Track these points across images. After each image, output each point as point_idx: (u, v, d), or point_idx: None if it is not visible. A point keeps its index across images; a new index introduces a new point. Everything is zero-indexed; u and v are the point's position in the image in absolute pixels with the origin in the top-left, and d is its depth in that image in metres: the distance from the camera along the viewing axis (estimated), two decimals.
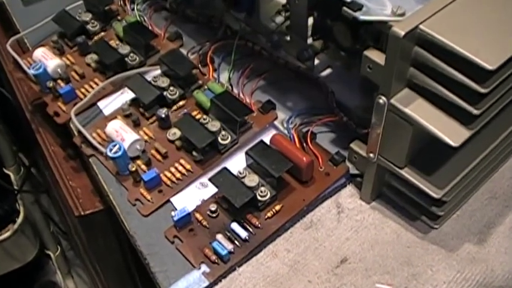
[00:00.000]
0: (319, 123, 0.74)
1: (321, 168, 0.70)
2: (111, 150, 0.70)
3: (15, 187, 1.33)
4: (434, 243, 0.66)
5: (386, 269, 0.64)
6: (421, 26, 0.53)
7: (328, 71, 0.81)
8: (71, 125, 0.79)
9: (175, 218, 0.66)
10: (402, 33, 0.52)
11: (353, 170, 0.71)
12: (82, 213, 0.79)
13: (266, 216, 0.67)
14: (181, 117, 0.73)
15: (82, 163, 0.85)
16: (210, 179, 0.67)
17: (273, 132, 0.76)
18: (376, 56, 0.57)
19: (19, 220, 1.35)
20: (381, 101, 0.59)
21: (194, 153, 0.71)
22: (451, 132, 0.56)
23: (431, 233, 0.67)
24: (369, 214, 0.68)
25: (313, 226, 0.67)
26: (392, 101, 0.58)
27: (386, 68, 0.56)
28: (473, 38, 0.53)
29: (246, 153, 0.68)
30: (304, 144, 0.72)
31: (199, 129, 0.71)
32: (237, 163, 0.72)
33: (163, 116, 0.74)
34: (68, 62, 0.84)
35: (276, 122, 0.76)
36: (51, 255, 1.62)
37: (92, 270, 1.08)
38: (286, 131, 0.75)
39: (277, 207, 0.67)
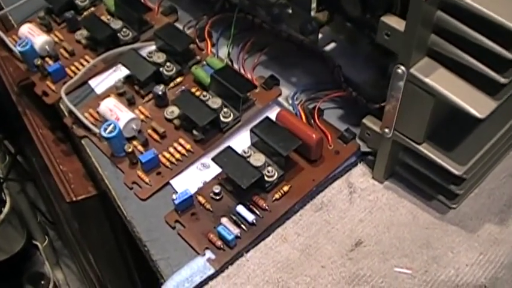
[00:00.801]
0: (326, 99, 0.70)
1: (330, 146, 0.66)
2: (105, 130, 0.65)
3: (0, 175, 1.27)
4: (453, 224, 0.62)
5: (405, 252, 0.60)
6: None
7: (332, 45, 0.77)
8: (61, 105, 0.74)
9: (176, 202, 0.61)
10: None
11: (364, 148, 0.67)
12: (74, 199, 0.74)
13: (274, 198, 0.62)
14: (179, 94, 0.69)
15: (73, 146, 0.80)
16: (213, 159, 0.62)
17: (277, 109, 0.71)
18: (395, 22, 0.53)
19: (5, 210, 1.29)
20: (399, 71, 0.54)
21: (194, 132, 0.66)
22: (476, 103, 0.52)
23: (449, 214, 0.63)
24: (383, 194, 0.64)
25: (324, 208, 0.63)
26: (412, 70, 0.53)
27: (406, 34, 0.52)
28: (500, 0, 0.49)
29: (251, 130, 0.64)
30: (312, 122, 0.68)
31: (200, 107, 0.66)
32: (240, 142, 0.68)
33: (160, 93, 0.69)
34: (56, 39, 0.79)
35: (279, 99, 0.72)
36: (39, 245, 1.57)
37: (83, 260, 1.03)
38: (291, 108, 0.70)
39: (285, 188, 0.63)
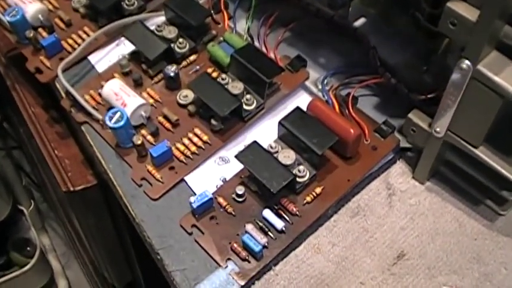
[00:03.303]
0: (362, 86, 0.61)
1: (367, 141, 0.58)
2: (110, 118, 0.57)
3: None
4: (504, 235, 0.55)
5: (453, 268, 0.53)
6: None
7: (361, 20, 0.68)
8: (57, 84, 0.65)
9: (194, 205, 0.53)
10: None
11: (404, 143, 0.59)
12: (71, 189, 0.66)
13: (305, 201, 0.55)
14: (196, 77, 0.60)
15: (69, 128, 0.72)
16: (237, 157, 0.54)
17: (303, 94, 0.63)
18: (464, 10, 0.45)
19: None
20: (463, 65, 0.46)
21: (213, 121, 0.58)
22: None
23: (498, 222, 0.56)
24: (425, 197, 0.57)
25: (361, 213, 0.56)
26: (479, 67, 0.46)
27: (478, 25, 0.44)
28: None
29: (280, 123, 0.56)
30: (346, 112, 0.60)
31: (220, 93, 0.58)
32: (263, 133, 0.60)
33: (172, 74, 0.61)
34: (50, 7, 0.69)
35: (306, 83, 0.63)
36: (25, 210, 1.49)
37: (76, 242, 0.95)
38: (320, 94, 0.62)
39: (318, 190, 0.55)
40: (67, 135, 0.71)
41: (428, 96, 0.56)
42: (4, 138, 1.34)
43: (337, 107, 0.59)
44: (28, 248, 1.44)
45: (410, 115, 0.55)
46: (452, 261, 0.53)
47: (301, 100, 0.62)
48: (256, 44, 0.65)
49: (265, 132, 0.60)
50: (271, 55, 0.64)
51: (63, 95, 0.64)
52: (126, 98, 0.58)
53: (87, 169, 0.68)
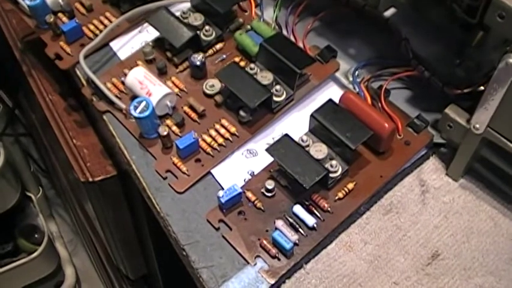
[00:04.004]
0: (395, 78, 0.59)
1: (400, 135, 0.56)
2: (135, 108, 0.55)
3: None
4: None
5: (489, 269, 0.51)
6: None
7: (391, 10, 0.65)
8: (77, 71, 0.63)
9: (222, 200, 0.51)
10: None
11: (437, 139, 0.57)
12: (90, 179, 0.64)
13: (336, 197, 0.53)
14: (225, 67, 0.58)
15: (87, 116, 0.69)
16: (268, 150, 0.52)
17: (332, 86, 0.61)
18: None
19: None
20: (511, 60, 0.44)
21: (242, 113, 0.56)
22: None
23: None
24: (459, 195, 0.55)
25: (394, 210, 0.54)
26: None
27: None
28: None
29: (312, 116, 0.54)
30: (378, 105, 0.58)
31: (250, 83, 0.56)
32: (292, 125, 0.58)
33: (198, 63, 0.58)
34: None
35: (336, 74, 0.61)
36: (32, 197, 1.47)
37: (90, 235, 0.93)
38: (351, 86, 0.60)
39: (350, 186, 0.53)
40: (85, 124, 0.69)
41: (465, 90, 0.54)
42: (13, 125, 1.32)
43: (369, 99, 0.57)
44: (36, 235, 1.43)
45: (447, 110, 0.53)
46: (489, 262, 0.51)
47: (331, 92, 0.60)
48: (284, 32, 0.63)
49: (294, 124, 0.58)
50: (300, 45, 0.61)
51: (84, 82, 0.62)
52: (151, 87, 0.56)
53: (106, 159, 0.66)
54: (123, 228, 0.75)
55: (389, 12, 0.65)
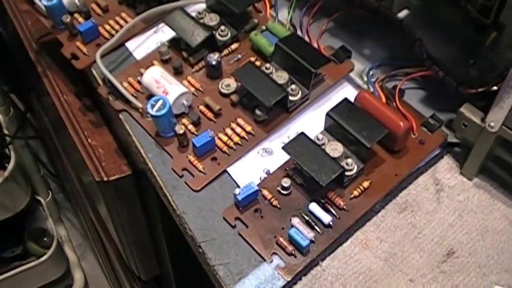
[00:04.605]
0: (409, 78, 0.60)
1: (414, 135, 0.57)
2: (152, 106, 0.55)
3: (5, 131, 1.16)
4: None
5: (504, 267, 0.51)
6: None
7: (404, 12, 0.66)
8: (93, 71, 0.63)
9: (239, 197, 0.52)
10: None
11: (451, 138, 0.57)
12: (105, 178, 0.64)
13: (352, 195, 0.53)
14: (241, 66, 0.58)
15: (102, 116, 0.70)
16: (284, 148, 0.53)
17: (346, 86, 0.62)
18: None
19: (10, 167, 1.19)
20: None
21: (257, 111, 0.56)
22: None
23: None
24: (473, 194, 0.55)
25: (409, 208, 0.54)
26: None
27: None
28: None
29: (328, 114, 0.54)
30: (393, 104, 0.58)
31: (265, 82, 0.56)
32: (307, 124, 0.58)
33: (214, 62, 0.59)
34: None
35: (351, 74, 0.61)
36: (42, 201, 1.48)
37: (102, 238, 0.93)
38: (365, 86, 0.60)
39: (365, 184, 0.54)
40: (100, 124, 0.69)
41: (479, 90, 0.55)
42: (23, 128, 1.33)
43: (383, 99, 0.58)
44: (45, 239, 1.43)
45: (462, 109, 0.53)
46: (504, 260, 0.51)
47: (346, 92, 0.61)
48: (299, 33, 0.64)
49: (309, 123, 0.58)
50: (315, 45, 0.62)
51: (100, 82, 0.62)
52: (167, 86, 0.57)
53: (122, 159, 0.66)
54: (137, 229, 0.75)
55: (403, 13, 0.65)
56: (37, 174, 1.43)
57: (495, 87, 0.53)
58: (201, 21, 0.62)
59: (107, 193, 0.67)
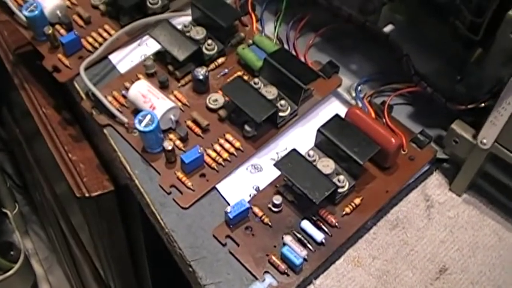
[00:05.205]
0: (397, 94, 0.60)
1: (404, 151, 0.56)
2: (140, 122, 0.54)
3: None
4: None
5: (497, 283, 0.51)
6: None
7: (389, 27, 0.66)
8: (76, 84, 0.61)
9: (230, 215, 0.51)
10: None
11: (439, 154, 0.58)
12: (87, 194, 0.62)
13: (344, 212, 0.53)
14: (230, 81, 0.57)
15: (83, 130, 0.68)
16: (276, 165, 0.52)
17: (334, 101, 0.61)
18: None
19: None
20: None
21: (247, 127, 0.56)
22: None
23: None
24: (463, 210, 0.55)
25: (400, 225, 0.54)
26: None
27: None
28: None
29: (319, 131, 0.54)
30: (382, 120, 0.58)
31: (256, 98, 0.55)
32: (296, 140, 0.58)
33: (201, 77, 0.58)
34: (68, 3, 0.66)
35: (339, 90, 0.61)
36: (9, 213, 1.45)
37: (75, 253, 0.91)
38: (353, 102, 0.60)
39: (357, 201, 0.53)
40: (81, 138, 0.67)
41: (469, 106, 0.55)
42: None
43: (373, 115, 0.57)
44: (12, 252, 1.40)
45: (453, 125, 0.53)
46: (496, 276, 0.52)
47: (333, 107, 0.60)
48: (286, 47, 0.63)
49: (297, 139, 0.58)
50: (302, 60, 0.61)
51: (83, 95, 0.60)
52: (155, 101, 0.56)
53: (103, 174, 0.65)
54: (117, 245, 0.73)
55: (389, 28, 0.65)
56: (3, 186, 1.39)
57: (483, 104, 0.53)
58: (187, 34, 0.61)
59: (88, 209, 0.65)
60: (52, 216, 1.06)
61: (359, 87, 0.60)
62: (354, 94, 0.60)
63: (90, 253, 0.86)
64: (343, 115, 0.55)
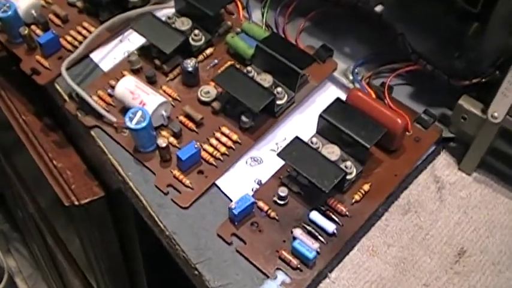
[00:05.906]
0: (396, 74, 0.57)
1: (409, 132, 0.54)
2: (131, 119, 0.50)
3: None
4: None
5: None
6: None
7: (380, 7, 0.63)
8: (57, 86, 0.58)
9: (236, 211, 0.48)
10: None
11: (445, 133, 0.55)
12: (76, 202, 0.59)
13: (353, 200, 0.50)
14: (223, 71, 0.54)
15: (66, 135, 0.64)
16: (280, 155, 0.49)
17: (330, 86, 0.59)
18: None
19: None
20: None
21: (244, 118, 0.53)
22: None
23: None
24: (475, 189, 0.53)
25: (412, 209, 0.51)
26: None
27: None
28: None
29: (321, 116, 0.51)
30: (384, 101, 0.55)
31: (251, 86, 0.52)
32: (295, 129, 0.55)
33: (190, 69, 0.55)
34: (42, 2, 0.62)
35: (335, 74, 0.58)
36: None
37: (68, 269, 0.87)
38: (351, 85, 0.57)
39: (366, 187, 0.51)
40: (65, 144, 0.64)
41: (473, 81, 0.53)
42: None
43: (374, 96, 0.55)
44: None
45: (461, 101, 0.51)
46: None
47: (330, 92, 0.58)
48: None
49: (296, 128, 0.55)
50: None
51: (66, 97, 0.57)
52: (144, 96, 0.52)
53: (92, 180, 0.61)
54: (110, 254, 0.70)
55: (379, 8, 0.63)
56: None
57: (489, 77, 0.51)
58: (173, 26, 0.57)
59: (78, 218, 0.62)
60: (36, 232, 1.02)
61: (356, 70, 0.58)
62: (351, 77, 0.58)
63: (81, 266, 0.82)
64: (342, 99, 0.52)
